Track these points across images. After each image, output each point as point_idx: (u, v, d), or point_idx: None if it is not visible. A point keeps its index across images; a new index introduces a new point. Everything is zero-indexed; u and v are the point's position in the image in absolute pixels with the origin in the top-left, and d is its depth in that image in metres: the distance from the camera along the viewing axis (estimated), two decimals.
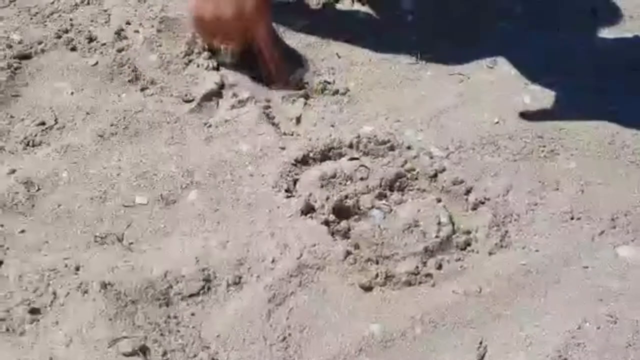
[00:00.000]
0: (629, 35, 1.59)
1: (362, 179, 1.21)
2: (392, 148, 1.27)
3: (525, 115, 1.35)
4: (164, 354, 0.95)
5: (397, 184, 1.22)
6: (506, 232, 1.16)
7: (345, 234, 1.13)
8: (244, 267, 1.08)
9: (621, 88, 1.44)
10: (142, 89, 1.33)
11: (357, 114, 1.35)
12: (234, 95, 1.34)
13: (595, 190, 1.22)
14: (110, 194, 1.16)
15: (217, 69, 1.38)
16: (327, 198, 1.17)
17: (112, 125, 1.26)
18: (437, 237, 1.13)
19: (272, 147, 1.25)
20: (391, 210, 1.17)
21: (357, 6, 1.59)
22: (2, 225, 1.09)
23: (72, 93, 1.31)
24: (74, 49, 1.39)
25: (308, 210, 1.15)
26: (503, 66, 1.48)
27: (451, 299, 1.06)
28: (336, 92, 1.39)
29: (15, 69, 1.33)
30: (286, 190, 1.19)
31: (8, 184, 1.14)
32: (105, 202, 1.15)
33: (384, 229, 1.14)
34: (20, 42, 1.37)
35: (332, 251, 1.09)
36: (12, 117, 1.26)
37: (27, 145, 1.22)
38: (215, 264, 1.07)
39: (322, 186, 1.19)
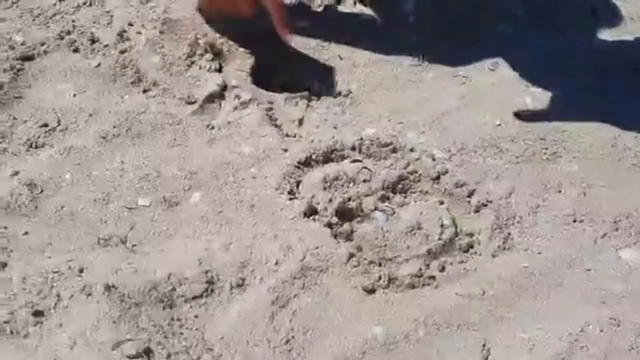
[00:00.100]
0: (630, 37, 1.59)
1: (364, 181, 1.21)
2: (394, 150, 1.27)
3: (525, 117, 1.35)
4: (168, 356, 0.96)
5: (400, 186, 1.22)
6: (509, 234, 1.16)
7: (348, 236, 1.14)
8: (247, 269, 1.08)
9: (621, 88, 1.44)
10: (145, 91, 1.33)
11: (360, 116, 1.36)
12: (237, 97, 1.34)
13: (598, 193, 1.23)
14: (113, 196, 1.16)
15: (219, 70, 1.38)
16: (330, 200, 1.17)
17: (114, 127, 1.26)
18: (439, 239, 1.13)
19: (275, 149, 1.25)
20: (394, 212, 1.17)
21: (359, 8, 1.59)
22: (5, 227, 1.09)
23: (74, 95, 1.31)
24: (76, 50, 1.39)
25: (311, 212, 1.15)
26: (504, 68, 1.48)
27: (454, 302, 1.06)
28: (339, 94, 1.39)
29: (18, 70, 1.33)
30: (289, 192, 1.19)
31: (11, 185, 1.14)
32: (109, 204, 1.15)
33: (387, 232, 1.14)
34: (22, 44, 1.37)
35: (335, 253, 1.09)
36: (14, 118, 1.26)
37: (30, 146, 1.22)
38: (219, 266, 1.07)
39: (324, 188, 1.19)
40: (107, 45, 1.40)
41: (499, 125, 1.33)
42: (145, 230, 1.12)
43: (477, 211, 1.20)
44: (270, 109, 1.34)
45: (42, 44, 1.38)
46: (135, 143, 1.24)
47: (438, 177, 1.23)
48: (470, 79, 1.45)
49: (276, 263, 1.08)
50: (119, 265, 1.05)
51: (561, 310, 1.06)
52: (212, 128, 1.29)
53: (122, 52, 1.39)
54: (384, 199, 1.19)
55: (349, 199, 1.18)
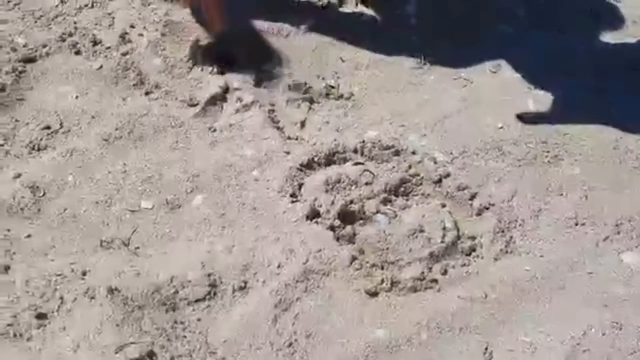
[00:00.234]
0: (631, 39, 1.59)
1: (367, 183, 1.21)
2: (396, 153, 1.27)
3: (527, 119, 1.35)
4: (171, 359, 0.95)
5: (402, 189, 1.22)
6: (511, 237, 1.16)
7: (351, 239, 1.14)
8: (249, 272, 1.08)
9: (621, 88, 1.45)
10: (147, 93, 1.33)
11: (362, 118, 1.36)
12: (239, 99, 1.34)
13: (600, 196, 1.23)
14: (115, 199, 1.16)
15: (221, 72, 1.38)
16: (332, 203, 1.17)
17: (117, 129, 1.26)
18: (442, 242, 1.13)
19: (277, 151, 1.25)
20: (396, 215, 1.18)
21: (361, 9, 1.59)
22: (8, 230, 1.09)
23: (76, 97, 1.31)
24: (78, 52, 1.39)
25: (313, 215, 1.16)
26: (506, 70, 1.48)
27: (457, 305, 1.06)
28: (340, 96, 1.40)
29: (20, 72, 1.33)
30: (291, 195, 1.19)
31: (14, 188, 1.14)
32: (111, 207, 1.15)
33: (389, 234, 1.14)
34: (24, 46, 1.37)
35: (338, 256, 1.10)
36: (17, 121, 1.26)
37: (33, 149, 1.22)
38: (221, 269, 1.07)
39: (327, 191, 1.19)
40: (109, 48, 1.40)
41: (501, 128, 1.34)
42: (148, 232, 1.12)
43: (479, 214, 1.20)
44: (272, 111, 1.34)
45: (44, 46, 1.38)
46: (138, 145, 1.24)
47: (440, 180, 1.23)
48: (472, 81, 1.45)
49: (279, 266, 1.09)
50: (121, 268, 1.05)
51: (563, 313, 1.06)
52: (214, 130, 1.29)
53: (124, 54, 1.39)
54: (386, 201, 1.20)
55: (351, 202, 1.18)
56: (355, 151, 1.27)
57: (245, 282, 1.07)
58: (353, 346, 1.00)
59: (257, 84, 1.38)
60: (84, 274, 1.03)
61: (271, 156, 1.25)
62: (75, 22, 1.45)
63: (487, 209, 1.20)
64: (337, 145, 1.27)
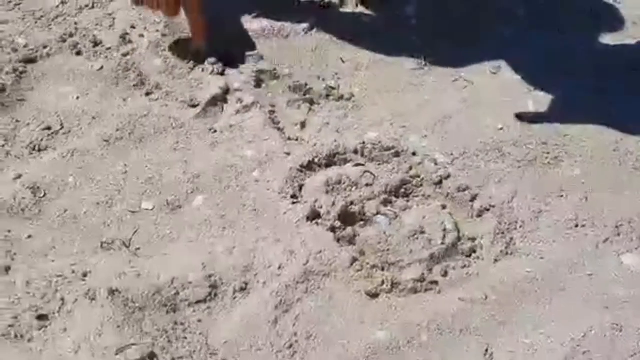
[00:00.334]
0: (631, 40, 1.59)
1: (367, 185, 1.22)
2: (397, 154, 1.27)
3: (527, 118, 1.35)
4: None
5: (402, 190, 1.22)
6: (511, 239, 1.16)
7: (351, 241, 1.14)
8: (250, 273, 1.08)
9: (621, 88, 1.45)
10: (148, 94, 1.34)
11: (362, 119, 1.36)
12: (239, 100, 1.34)
13: (600, 198, 1.23)
14: (116, 200, 1.16)
15: (222, 73, 1.38)
16: (333, 204, 1.17)
17: (117, 130, 1.26)
18: (442, 243, 1.13)
19: (277, 152, 1.26)
20: (396, 216, 1.18)
21: (361, 10, 1.59)
22: (9, 231, 1.09)
23: (77, 97, 1.31)
24: (79, 53, 1.39)
25: (314, 216, 1.16)
26: (506, 72, 1.48)
27: (457, 306, 1.06)
28: (341, 97, 1.40)
29: (21, 73, 1.33)
30: (292, 196, 1.19)
31: (14, 189, 1.15)
32: (112, 208, 1.15)
33: (390, 236, 1.14)
34: (25, 46, 1.37)
35: (338, 258, 1.10)
36: (17, 121, 1.26)
37: (33, 150, 1.22)
38: (222, 270, 1.07)
39: (327, 192, 1.19)
40: (109, 48, 1.41)
41: (501, 129, 1.34)
42: (149, 233, 1.12)
43: (479, 216, 1.20)
44: (273, 112, 1.34)
45: (45, 47, 1.38)
46: (138, 146, 1.24)
47: (440, 182, 1.23)
48: (472, 82, 1.45)
49: (279, 267, 1.09)
50: (122, 269, 1.05)
51: (564, 315, 1.06)
52: (215, 131, 1.29)
53: (125, 55, 1.39)
54: (386, 203, 1.20)
55: (352, 203, 1.18)
56: (355, 152, 1.27)
57: (246, 283, 1.07)
58: (353, 347, 1.00)
59: (258, 85, 1.38)
60: (85, 275, 1.03)
61: (272, 157, 1.25)
62: (75, 23, 1.45)
63: (488, 210, 1.20)
64: (337, 147, 1.27)
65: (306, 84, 1.40)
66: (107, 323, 0.97)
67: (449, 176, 1.24)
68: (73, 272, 1.04)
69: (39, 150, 1.22)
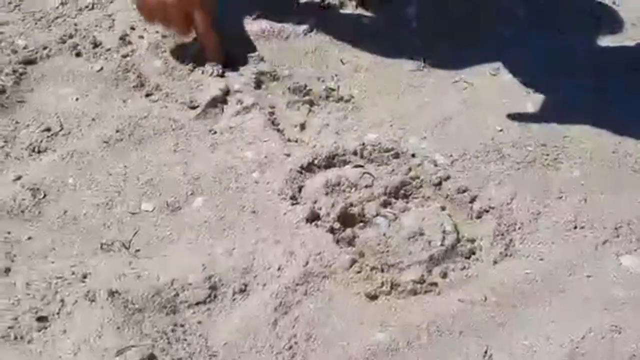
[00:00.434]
0: (631, 42, 1.60)
1: (366, 186, 1.22)
2: (396, 155, 1.27)
3: (525, 119, 1.36)
4: None
5: (402, 191, 1.22)
6: (510, 240, 1.17)
7: (351, 242, 1.14)
8: (250, 275, 1.08)
9: (621, 88, 1.45)
10: (147, 95, 1.34)
11: (362, 121, 1.36)
12: (239, 101, 1.34)
13: (599, 199, 1.23)
14: (116, 201, 1.16)
15: (221, 75, 1.38)
16: (333, 205, 1.17)
17: (117, 131, 1.26)
18: (442, 245, 1.14)
19: (277, 153, 1.26)
20: (396, 218, 1.18)
21: (361, 11, 1.60)
22: (8, 232, 1.09)
23: (77, 99, 1.31)
24: (78, 54, 1.39)
25: (313, 217, 1.16)
26: (506, 73, 1.49)
27: (456, 308, 1.06)
28: (340, 98, 1.40)
29: (21, 74, 1.33)
30: (291, 198, 1.19)
31: (14, 190, 1.15)
32: (112, 209, 1.15)
33: (389, 237, 1.14)
34: (25, 47, 1.38)
35: (338, 259, 1.10)
36: (17, 123, 1.26)
37: (33, 151, 1.22)
38: (222, 272, 1.07)
39: (327, 193, 1.20)
40: (109, 49, 1.41)
41: (501, 130, 1.34)
42: (148, 235, 1.13)
43: (479, 217, 1.20)
44: (273, 113, 1.34)
45: (45, 48, 1.38)
46: (138, 148, 1.24)
47: (440, 183, 1.24)
48: (472, 83, 1.46)
49: (279, 269, 1.09)
50: (122, 270, 1.05)
51: (563, 316, 1.06)
52: (215, 133, 1.29)
53: (125, 56, 1.39)
54: (386, 204, 1.20)
55: (351, 205, 1.18)
56: (355, 154, 1.27)
57: (246, 285, 1.07)
58: (353, 349, 1.00)
59: (258, 86, 1.38)
60: (85, 276, 1.04)
61: (271, 158, 1.25)
62: (75, 24, 1.45)
63: (487, 211, 1.20)
64: (337, 148, 1.27)
65: (306, 86, 1.40)
66: (106, 324, 0.97)
67: (448, 177, 1.25)
68: (73, 273, 1.04)
69: (39, 152, 1.22)
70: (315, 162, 1.25)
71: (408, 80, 1.46)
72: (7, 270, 1.04)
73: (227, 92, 1.35)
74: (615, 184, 1.26)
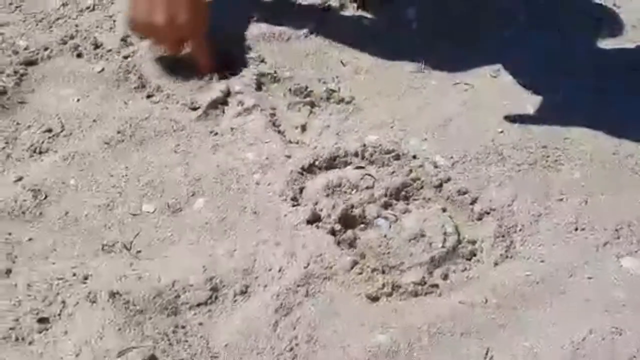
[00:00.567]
0: (631, 44, 1.60)
1: (367, 187, 1.22)
2: (397, 157, 1.27)
3: (525, 120, 1.36)
4: None
5: (403, 193, 1.22)
6: (511, 242, 1.17)
7: (352, 244, 1.14)
8: (250, 276, 1.08)
9: (621, 88, 1.45)
10: (148, 96, 1.34)
11: (362, 122, 1.36)
12: (240, 103, 1.34)
13: (599, 201, 1.23)
14: (117, 202, 1.16)
15: (223, 77, 1.38)
16: (334, 207, 1.17)
17: (118, 132, 1.26)
18: (443, 247, 1.14)
19: (278, 155, 1.26)
20: (397, 219, 1.18)
21: (361, 13, 1.60)
22: (10, 234, 1.09)
23: (78, 100, 1.31)
24: (79, 55, 1.39)
25: (314, 219, 1.16)
26: (506, 74, 1.49)
27: (457, 310, 1.06)
28: (341, 100, 1.40)
29: (22, 75, 1.33)
30: (292, 199, 1.19)
31: (15, 191, 1.15)
32: (113, 210, 1.15)
33: (390, 239, 1.14)
34: (26, 48, 1.38)
35: (339, 261, 1.10)
36: (18, 124, 1.26)
37: (34, 152, 1.22)
38: (223, 273, 1.07)
39: (327, 195, 1.20)
40: (110, 50, 1.41)
41: (501, 132, 1.34)
42: (150, 236, 1.13)
43: (479, 219, 1.20)
44: (274, 115, 1.34)
45: (46, 49, 1.38)
46: (139, 149, 1.24)
47: (441, 185, 1.24)
48: (473, 85, 1.46)
49: (280, 270, 1.09)
50: (123, 271, 1.05)
51: (564, 318, 1.06)
52: (216, 134, 1.29)
53: (126, 57, 1.39)
54: (387, 206, 1.20)
55: (352, 206, 1.18)
56: (356, 155, 1.27)
57: (247, 286, 1.07)
58: (354, 350, 1.01)
59: (259, 87, 1.38)
60: (86, 278, 1.04)
61: (272, 160, 1.25)
62: (76, 25, 1.45)
63: (488, 213, 1.20)
64: (338, 149, 1.27)
65: (307, 87, 1.40)
66: (108, 326, 0.97)
67: (449, 179, 1.25)
68: (74, 274, 1.04)
69: (40, 153, 1.22)
70: (316, 163, 1.25)
71: (409, 81, 1.46)
72: (9, 271, 1.04)
73: (228, 93, 1.35)
74: (615, 185, 1.26)
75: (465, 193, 1.23)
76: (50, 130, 1.25)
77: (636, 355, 1.00)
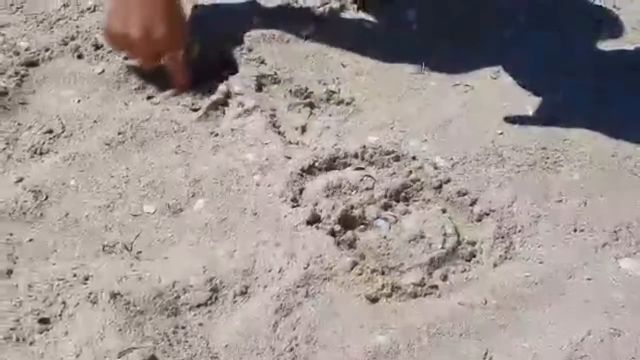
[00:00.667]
0: (631, 46, 1.60)
1: (367, 189, 1.22)
2: (397, 158, 1.28)
3: (524, 121, 1.36)
4: None
5: (403, 194, 1.23)
6: (511, 243, 1.17)
7: (351, 245, 1.14)
8: (250, 277, 1.08)
9: (621, 88, 1.45)
10: (149, 97, 1.34)
11: (362, 123, 1.36)
12: (240, 104, 1.34)
13: (598, 202, 1.23)
14: (118, 203, 1.17)
15: (224, 78, 1.39)
16: (333, 208, 1.18)
17: (119, 133, 1.26)
18: (442, 248, 1.14)
19: (278, 156, 1.26)
20: (396, 220, 1.18)
21: (361, 15, 1.60)
22: (10, 234, 1.09)
23: (79, 101, 1.32)
24: (80, 56, 1.40)
25: (314, 220, 1.16)
26: (506, 76, 1.49)
27: (457, 311, 1.06)
28: (341, 101, 1.40)
29: (23, 76, 1.34)
30: (292, 200, 1.19)
31: (16, 192, 1.15)
32: (113, 211, 1.15)
33: (390, 240, 1.15)
34: (27, 49, 1.38)
35: (339, 262, 1.10)
36: (19, 124, 1.26)
37: (35, 153, 1.22)
38: (223, 274, 1.08)
39: (327, 196, 1.20)
40: (110, 52, 1.41)
41: (501, 133, 1.34)
42: (150, 237, 1.13)
43: (479, 220, 1.20)
44: (274, 116, 1.35)
45: (47, 50, 1.39)
46: (140, 150, 1.25)
47: (440, 186, 1.24)
48: (473, 86, 1.46)
49: (279, 271, 1.09)
50: (124, 272, 1.06)
51: (563, 319, 1.06)
52: (216, 135, 1.30)
53: (126, 58, 1.40)
54: (386, 207, 1.20)
55: (352, 207, 1.19)
56: (355, 156, 1.28)
57: (247, 287, 1.07)
58: (353, 351, 1.01)
59: (259, 89, 1.39)
60: (87, 278, 1.04)
61: (272, 161, 1.25)
62: (77, 26, 1.46)
63: (487, 214, 1.21)
64: (337, 151, 1.28)
65: (307, 88, 1.41)
66: (108, 326, 0.97)
67: (449, 180, 1.25)
68: (74, 275, 1.04)
69: (41, 154, 1.22)
70: (316, 164, 1.25)
71: (408, 83, 1.46)
72: (9, 272, 1.04)
73: (228, 94, 1.36)
74: (614, 186, 1.26)
75: (464, 194, 1.23)
76: (51, 131, 1.26)
77: (635, 356, 1.01)
